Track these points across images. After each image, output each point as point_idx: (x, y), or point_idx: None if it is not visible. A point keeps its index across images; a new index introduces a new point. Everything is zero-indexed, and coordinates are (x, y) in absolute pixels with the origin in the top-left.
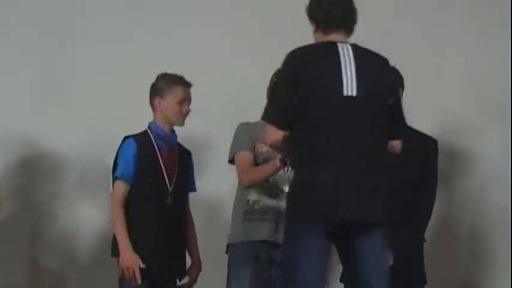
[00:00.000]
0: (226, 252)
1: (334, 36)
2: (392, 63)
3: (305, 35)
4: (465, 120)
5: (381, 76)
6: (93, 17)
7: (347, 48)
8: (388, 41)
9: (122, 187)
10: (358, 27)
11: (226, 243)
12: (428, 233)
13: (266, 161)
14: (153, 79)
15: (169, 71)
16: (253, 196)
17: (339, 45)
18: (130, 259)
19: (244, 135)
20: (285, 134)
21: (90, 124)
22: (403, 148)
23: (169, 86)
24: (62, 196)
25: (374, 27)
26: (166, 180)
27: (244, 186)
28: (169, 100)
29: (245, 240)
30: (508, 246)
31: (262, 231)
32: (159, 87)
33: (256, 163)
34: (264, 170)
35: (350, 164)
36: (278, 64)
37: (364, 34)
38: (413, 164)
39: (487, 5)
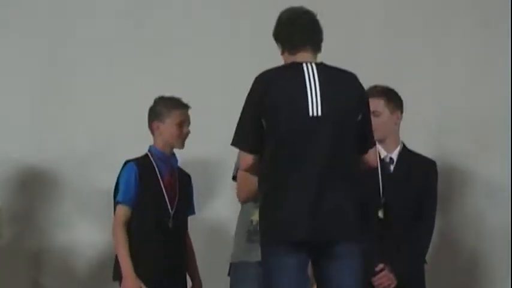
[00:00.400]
0: (228, 274)
1: (300, 56)
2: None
3: None
4: (464, 141)
5: (347, 93)
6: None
7: (312, 68)
8: (388, 52)
9: (123, 211)
10: (357, 38)
11: (227, 264)
12: (428, 255)
13: None
14: (152, 100)
15: (169, 89)
16: (257, 216)
17: (304, 65)
18: (132, 283)
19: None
20: (255, 157)
21: (89, 144)
22: (403, 171)
23: (167, 109)
24: (62, 218)
25: (372, 38)
26: (168, 203)
27: (241, 202)
28: (168, 123)
29: (248, 260)
30: (508, 268)
31: None
32: (157, 110)
33: None
34: (254, 181)
35: (312, 183)
36: None
37: (363, 44)
38: (413, 187)
39: (488, 15)
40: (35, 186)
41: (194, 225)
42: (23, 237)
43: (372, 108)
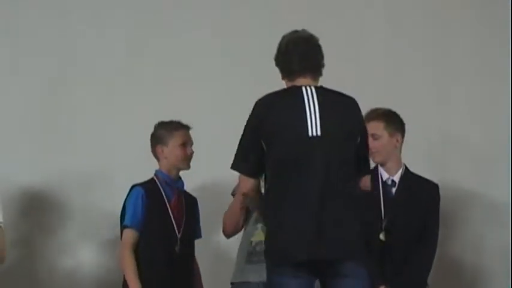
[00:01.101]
0: None
1: (300, 81)
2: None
3: None
4: (465, 163)
5: (345, 115)
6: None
7: (311, 91)
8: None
9: (131, 235)
10: (360, 48)
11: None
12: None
13: None
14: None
15: (172, 113)
16: (256, 237)
17: (303, 88)
18: None
19: None
20: (255, 181)
21: (90, 170)
22: (406, 194)
23: (169, 132)
24: (65, 243)
25: (374, 49)
26: (175, 227)
27: (227, 235)
28: (172, 146)
29: (248, 280)
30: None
31: (264, 273)
32: (159, 135)
33: None
34: (231, 210)
35: (312, 203)
36: None
37: (364, 54)
38: (415, 210)
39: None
40: (38, 211)
41: (199, 248)
42: (26, 262)
43: (371, 131)
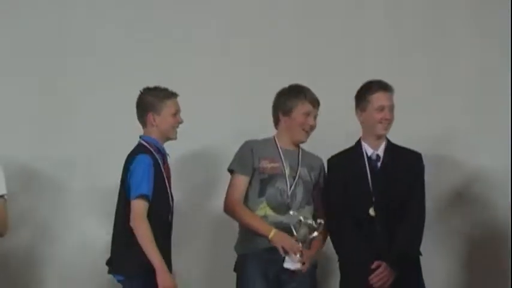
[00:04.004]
0: (235, 270)
1: None
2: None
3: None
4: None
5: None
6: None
7: None
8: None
9: (145, 206)
10: (360, 55)
11: (232, 255)
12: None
13: (271, 177)
14: None
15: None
16: (260, 212)
17: None
18: (169, 277)
19: (247, 154)
20: None
21: (91, 147)
22: (392, 167)
23: (161, 100)
24: (67, 219)
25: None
26: (170, 196)
27: (224, 210)
28: (165, 114)
29: (254, 251)
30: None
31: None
32: (149, 102)
33: (262, 178)
34: (252, 223)
35: None
36: None
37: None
38: (401, 181)
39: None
40: (38, 188)
41: (200, 214)
42: (28, 238)
43: (389, 102)
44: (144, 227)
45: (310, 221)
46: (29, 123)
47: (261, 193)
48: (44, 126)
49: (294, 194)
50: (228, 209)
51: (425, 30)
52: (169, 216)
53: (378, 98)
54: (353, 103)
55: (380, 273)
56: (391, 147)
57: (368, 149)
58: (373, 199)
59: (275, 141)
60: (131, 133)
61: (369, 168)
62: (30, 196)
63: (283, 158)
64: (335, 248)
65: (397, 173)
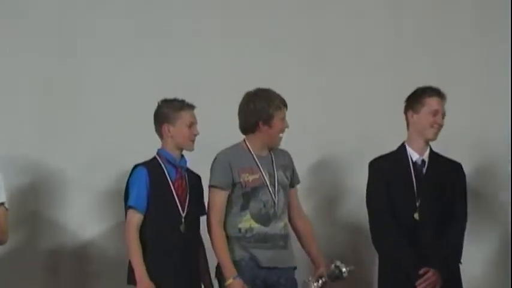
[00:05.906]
0: (216, 275)
1: None
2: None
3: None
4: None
5: None
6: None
7: None
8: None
9: (135, 216)
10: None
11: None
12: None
13: (254, 189)
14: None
15: (174, 91)
16: (245, 224)
17: None
18: (147, 287)
19: (227, 169)
20: None
21: (93, 150)
22: (437, 173)
23: (176, 111)
24: (71, 222)
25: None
26: (179, 207)
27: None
28: (179, 126)
29: (239, 259)
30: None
31: (261, 255)
32: (165, 113)
33: (244, 192)
34: (221, 257)
35: None
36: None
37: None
38: (446, 188)
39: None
40: (43, 190)
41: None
42: (33, 240)
43: (443, 109)
44: (129, 237)
45: (344, 269)
46: (29, 123)
47: (244, 207)
48: (44, 126)
49: (277, 203)
50: (208, 231)
51: (426, 31)
52: (182, 227)
53: (434, 102)
54: (353, 103)
55: (428, 279)
56: (435, 154)
57: (413, 154)
58: (418, 204)
59: (248, 148)
60: (131, 133)
61: (414, 173)
62: (30, 196)
63: (261, 168)
64: (379, 250)
65: (442, 179)
